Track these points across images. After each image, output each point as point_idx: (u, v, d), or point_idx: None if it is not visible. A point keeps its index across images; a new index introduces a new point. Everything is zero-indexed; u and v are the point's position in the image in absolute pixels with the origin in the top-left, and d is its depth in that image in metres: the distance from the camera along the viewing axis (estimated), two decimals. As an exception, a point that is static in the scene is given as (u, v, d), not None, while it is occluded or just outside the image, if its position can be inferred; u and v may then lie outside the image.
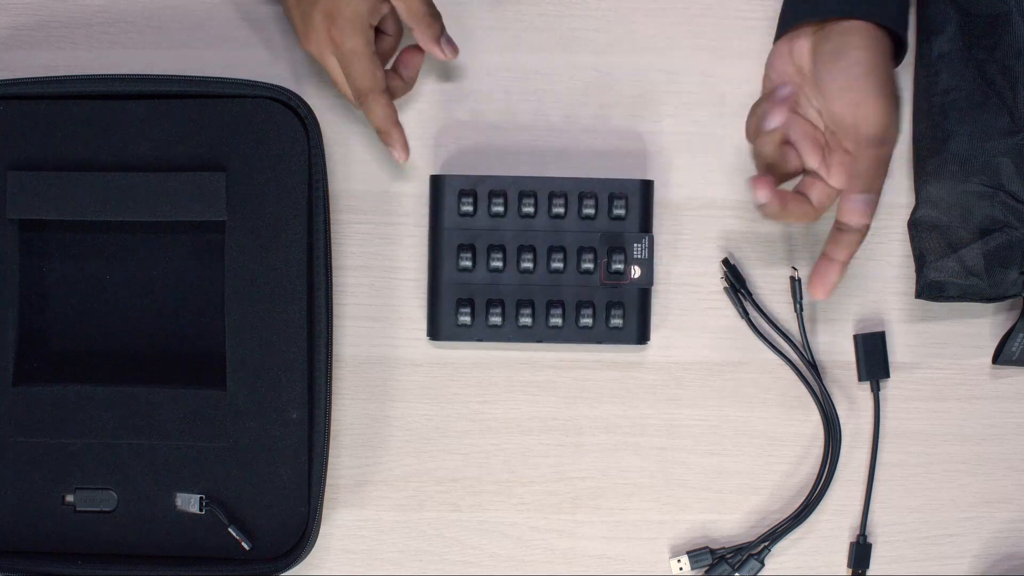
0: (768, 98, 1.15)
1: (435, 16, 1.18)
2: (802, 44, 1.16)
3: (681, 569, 1.25)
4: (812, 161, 1.16)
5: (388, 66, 1.21)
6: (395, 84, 1.21)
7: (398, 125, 1.19)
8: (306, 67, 1.24)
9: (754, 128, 1.15)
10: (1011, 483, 1.26)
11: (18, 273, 1.20)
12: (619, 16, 1.25)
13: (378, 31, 1.19)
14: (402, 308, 1.25)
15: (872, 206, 1.13)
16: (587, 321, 1.22)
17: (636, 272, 1.21)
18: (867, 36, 1.14)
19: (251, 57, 1.23)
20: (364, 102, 1.17)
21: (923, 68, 1.24)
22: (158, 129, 1.19)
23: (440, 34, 1.19)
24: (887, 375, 1.25)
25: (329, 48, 1.16)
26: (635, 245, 1.20)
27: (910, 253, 1.23)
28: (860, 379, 1.26)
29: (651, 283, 1.20)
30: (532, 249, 1.22)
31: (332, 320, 1.21)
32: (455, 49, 1.20)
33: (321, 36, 1.16)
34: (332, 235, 1.23)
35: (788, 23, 1.16)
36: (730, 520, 1.26)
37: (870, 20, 1.14)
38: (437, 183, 1.23)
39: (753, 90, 1.25)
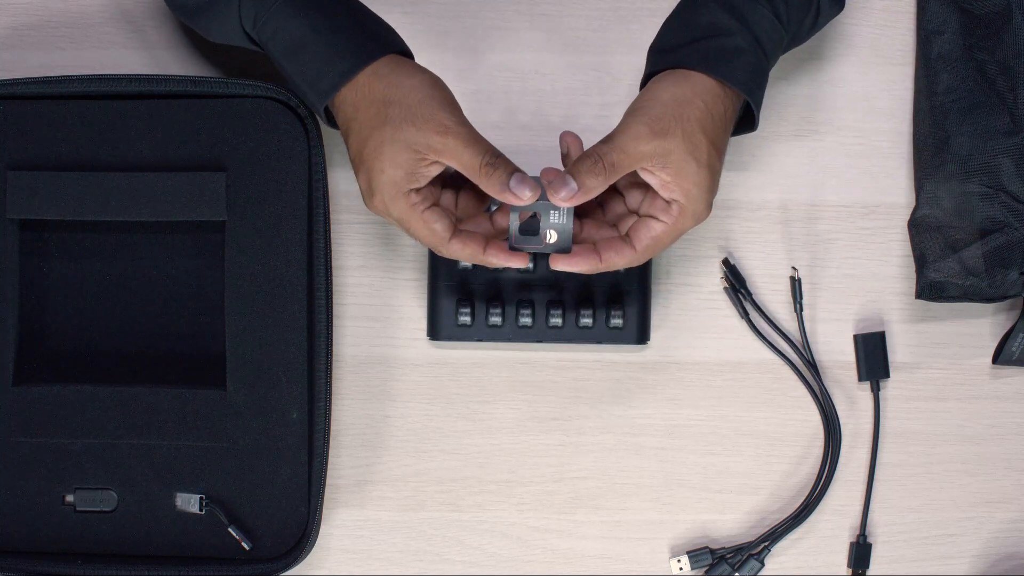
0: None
1: (494, 164, 1.09)
2: None
3: (681, 569, 1.25)
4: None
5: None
6: (472, 208, 1.16)
7: (491, 251, 1.11)
8: (306, 67, 1.24)
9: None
10: (1011, 483, 1.26)
11: (18, 273, 1.20)
12: (619, 16, 1.25)
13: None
14: (402, 308, 1.25)
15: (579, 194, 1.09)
16: (587, 321, 1.22)
17: (552, 237, 1.13)
18: (698, 86, 1.11)
19: (251, 57, 1.23)
20: (441, 254, 1.12)
21: (923, 68, 1.24)
22: (158, 129, 1.19)
23: (506, 182, 1.09)
24: (887, 375, 1.25)
25: (387, 217, 1.12)
26: (552, 212, 1.12)
27: (910, 253, 1.24)
28: (860, 379, 1.26)
29: (568, 247, 1.13)
30: (532, 249, 1.22)
31: (332, 320, 1.21)
32: (531, 186, 1.09)
33: (371, 207, 1.12)
34: (332, 235, 1.23)
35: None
36: (730, 520, 1.26)
37: (711, 75, 1.11)
38: (437, 183, 1.23)
39: (753, 90, 1.25)
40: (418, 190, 1.10)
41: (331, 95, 1.12)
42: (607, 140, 1.10)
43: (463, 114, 1.11)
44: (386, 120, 1.09)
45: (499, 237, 1.13)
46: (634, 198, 1.14)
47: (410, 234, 1.12)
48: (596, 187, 1.09)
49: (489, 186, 1.09)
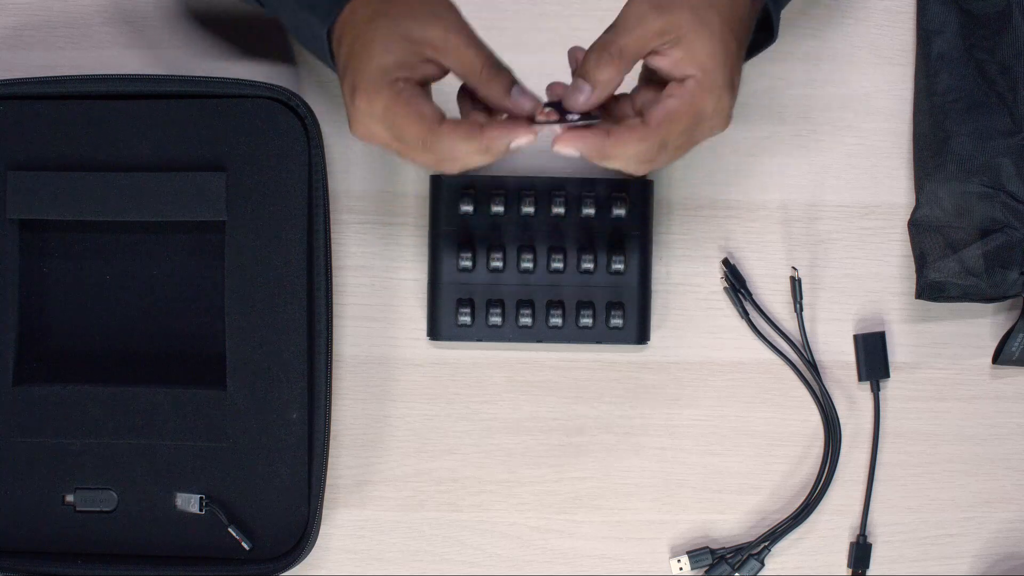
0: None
1: (497, 68, 1.03)
2: None
3: (681, 569, 1.25)
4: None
5: None
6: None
7: (489, 129, 1.03)
8: (306, 67, 1.24)
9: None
10: (1011, 483, 1.26)
11: (18, 273, 1.20)
12: (619, 16, 1.25)
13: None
14: (402, 308, 1.25)
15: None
16: (587, 321, 1.22)
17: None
18: None
19: (251, 57, 1.23)
20: (434, 149, 1.03)
21: (923, 68, 1.24)
22: (158, 129, 1.19)
23: (508, 88, 1.03)
24: (887, 375, 1.25)
25: (372, 123, 1.03)
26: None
27: (910, 253, 1.24)
28: (860, 379, 1.26)
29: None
30: (532, 249, 1.22)
31: (332, 320, 1.21)
32: (532, 100, 1.03)
33: (357, 115, 1.03)
34: (332, 235, 1.23)
35: None
36: (730, 520, 1.26)
37: None
38: (437, 183, 1.23)
39: (752, 90, 1.25)
40: (406, 79, 1.02)
41: (335, 12, 1.05)
42: (609, 29, 1.04)
43: (467, 21, 1.05)
44: (384, 14, 1.02)
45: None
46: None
47: (397, 135, 1.02)
48: (610, 80, 1.03)
49: (489, 90, 1.03)
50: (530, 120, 1.04)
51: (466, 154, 1.03)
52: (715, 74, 1.03)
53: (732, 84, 1.04)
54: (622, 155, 1.03)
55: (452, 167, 1.04)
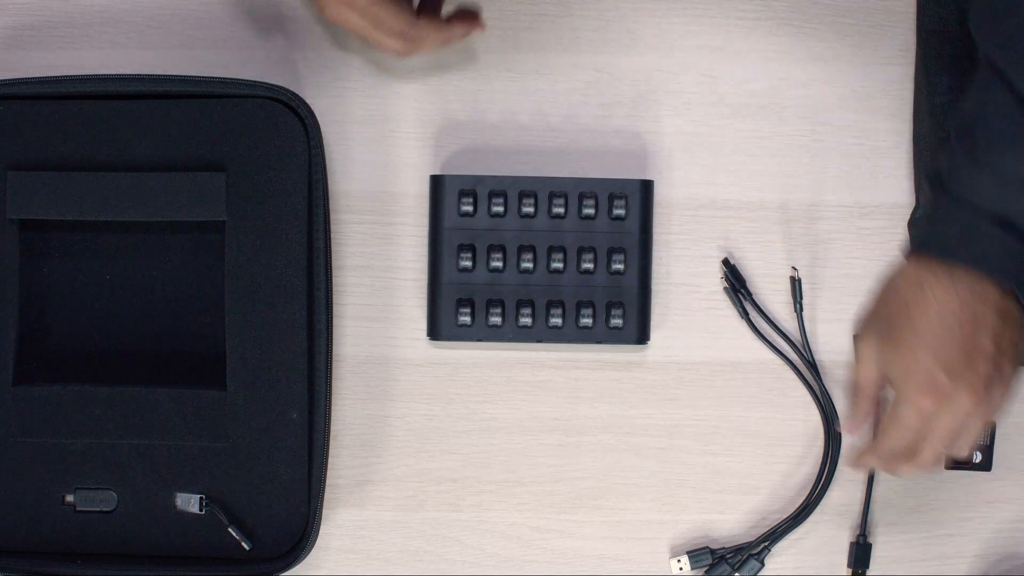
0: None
1: None
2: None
3: (681, 569, 1.25)
4: None
5: None
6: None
7: (456, 24, 1.15)
8: (306, 67, 1.25)
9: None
10: (1011, 483, 1.26)
11: (18, 273, 1.20)
12: (619, 16, 1.25)
13: None
14: (402, 308, 1.25)
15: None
16: (587, 321, 1.22)
17: (977, 456, 1.23)
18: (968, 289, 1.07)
19: (251, 57, 1.23)
20: (411, 40, 1.12)
21: (923, 68, 1.24)
22: (158, 129, 1.19)
23: None
24: (887, 375, 1.25)
25: (347, 10, 1.10)
26: None
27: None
28: (860, 379, 1.26)
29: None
30: (532, 249, 1.22)
31: (332, 320, 1.21)
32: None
33: (332, 1, 1.10)
34: (332, 235, 1.23)
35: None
36: (730, 520, 1.26)
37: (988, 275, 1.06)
38: (437, 183, 1.23)
39: (752, 90, 1.25)
40: None
41: None
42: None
43: None
44: None
45: None
46: None
47: (375, 23, 1.10)
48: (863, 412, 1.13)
49: None
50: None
51: (432, 43, 1.14)
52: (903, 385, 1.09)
53: (927, 387, 1.08)
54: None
55: (412, 53, 1.14)
